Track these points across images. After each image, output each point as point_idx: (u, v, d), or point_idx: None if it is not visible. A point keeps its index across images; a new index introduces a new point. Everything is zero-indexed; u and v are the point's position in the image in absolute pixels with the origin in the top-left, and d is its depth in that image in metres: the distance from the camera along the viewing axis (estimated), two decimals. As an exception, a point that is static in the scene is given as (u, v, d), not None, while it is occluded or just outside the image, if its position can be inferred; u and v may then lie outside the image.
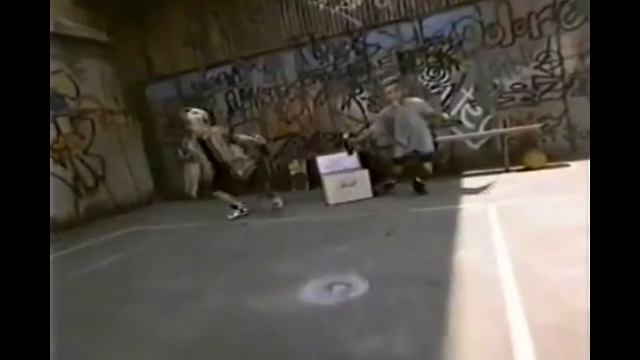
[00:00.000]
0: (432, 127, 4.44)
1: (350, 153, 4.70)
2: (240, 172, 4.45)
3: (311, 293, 2.17)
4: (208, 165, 4.46)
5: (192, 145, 4.40)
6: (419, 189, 4.37)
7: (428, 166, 4.37)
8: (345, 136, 4.76)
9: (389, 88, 4.41)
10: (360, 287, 2.14)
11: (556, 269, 1.98)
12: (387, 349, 1.55)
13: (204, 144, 4.38)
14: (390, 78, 5.08)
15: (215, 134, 4.40)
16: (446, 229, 2.92)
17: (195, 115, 4.33)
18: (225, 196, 4.63)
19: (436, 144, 5.04)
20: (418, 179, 4.38)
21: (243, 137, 4.67)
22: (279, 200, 4.78)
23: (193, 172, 4.53)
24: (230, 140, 4.47)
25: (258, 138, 4.69)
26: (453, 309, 1.75)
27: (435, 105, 5.38)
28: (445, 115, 4.87)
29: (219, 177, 4.50)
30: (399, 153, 4.43)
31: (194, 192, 4.58)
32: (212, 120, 4.79)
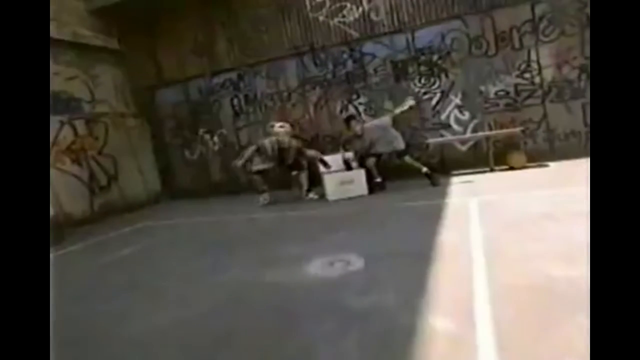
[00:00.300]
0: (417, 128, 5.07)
1: (349, 169, 5.21)
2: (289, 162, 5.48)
3: (316, 268, 2.58)
4: (270, 157, 5.34)
5: (267, 141, 5.35)
6: (430, 179, 4.95)
7: (408, 159, 5.10)
8: (346, 156, 5.30)
9: (352, 123, 5.22)
10: (357, 262, 2.56)
11: (516, 246, 2.42)
12: (378, 303, 1.97)
13: (281, 149, 5.31)
14: (345, 116, 5.70)
15: (291, 143, 5.40)
16: (431, 219, 3.35)
17: (282, 129, 5.36)
18: (260, 181, 5.40)
19: (427, 145, 5.70)
20: (424, 170, 4.99)
21: (308, 151, 5.53)
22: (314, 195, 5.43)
23: (250, 151, 5.39)
24: (298, 150, 5.44)
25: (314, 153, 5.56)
26: (431, 275, 2.17)
27: (426, 110, 5.88)
28: (398, 110, 5.38)
29: (271, 171, 5.43)
30: (372, 151, 5.19)
31: (239, 163, 5.34)
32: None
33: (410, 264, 2.40)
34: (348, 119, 5.32)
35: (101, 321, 2.27)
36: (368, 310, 1.91)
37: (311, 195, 5.39)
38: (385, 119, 5.28)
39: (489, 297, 1.84)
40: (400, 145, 5.18)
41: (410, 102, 5.39)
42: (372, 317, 1.83)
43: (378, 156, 5.19)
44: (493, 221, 3.03)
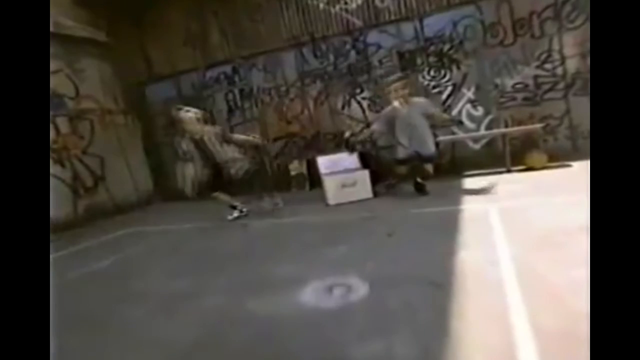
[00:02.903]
0: (433, 127, 4.40)
1: (352, 152, 4.68)
2: (232, 171, 4.39)
3: (311, 295, 2.14)
4: (200, 164, 4.37)
5: (185, 144, 4.35)
6: (420, 189, 4.34)
7: (429, 167, 4.30)
8: (347, 134, 4.75)
9: (395, 85, 4.21)
10: (361, 288, 2.12)
11: (558, 270, 1.96)
12: (387, 352, 1.52)
13: (197, 144, 4.32)
14: (396, 75, 4.86)
15: (208, 132, 4.36)
16: (447, 230, 2.89)
17: (188, 113, 4.30)
18: (225, 197, 4.61)
19: (437, 144, 5.02)
20: (419, 179, 4.34)
21: (238, 136, 4.69)
22: (279, 200, 4.79)
23: (187, 171, 4.43)
24: (224, 140, 4.42)
25: (254, 137, 4.73)
26: (455, 311, 1.73)
27: (436, 105, 5.38)
28: (446, 116, 4.82)
29: (217, 177, 4.45)
30: (401, 154, 4.32)
31: (189, 191, 4.48)
32: (211, 119, 4.75)
33: (425, 293, 1.95)
34: (400, 78, 4.41)
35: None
36: (374, 364, 1.47)
37: (235, 214, 4.57)
38: (426, 102, 4.29)
39: (535, 350, 1.39)
40: (431, 148, 4.22)
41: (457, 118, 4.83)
42: (379, 377, 1.39)
43: (405, 162, 4.33)
44: (521, 235, 2.57)
